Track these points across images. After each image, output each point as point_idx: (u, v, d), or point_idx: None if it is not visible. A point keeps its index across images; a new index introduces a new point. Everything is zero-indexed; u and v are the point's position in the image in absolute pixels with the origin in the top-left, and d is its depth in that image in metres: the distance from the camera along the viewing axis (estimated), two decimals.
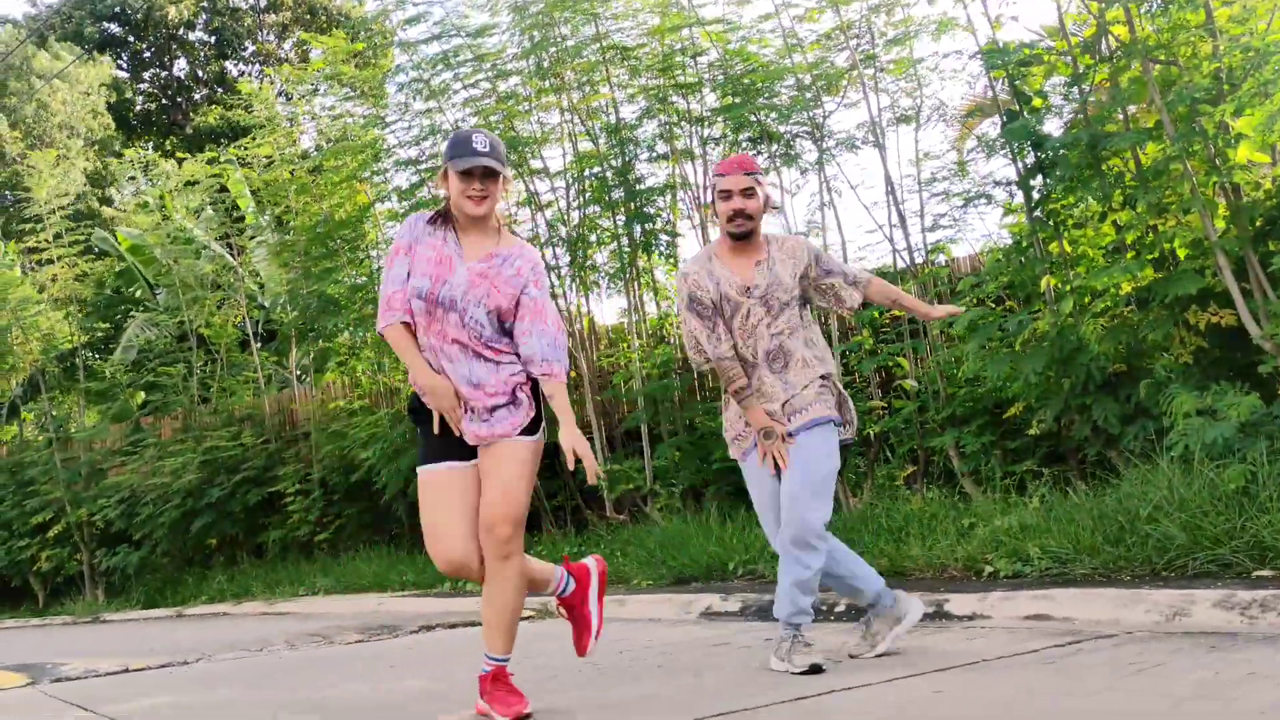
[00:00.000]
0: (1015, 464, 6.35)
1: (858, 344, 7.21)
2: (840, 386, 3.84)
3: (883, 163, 7.06)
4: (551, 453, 9.04)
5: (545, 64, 9.24)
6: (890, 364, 7.24)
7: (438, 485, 3.24)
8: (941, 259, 7.77)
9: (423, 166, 9.80)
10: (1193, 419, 5.01)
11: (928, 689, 2.85)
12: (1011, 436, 6.46)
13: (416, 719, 3.21)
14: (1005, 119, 5.75)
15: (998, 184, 6.37)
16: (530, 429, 3.25)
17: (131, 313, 14.34)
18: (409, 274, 3.26)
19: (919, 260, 7.18)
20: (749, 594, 5.46)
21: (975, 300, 6.72)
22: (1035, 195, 6.05)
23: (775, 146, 8.26)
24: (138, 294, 15.13)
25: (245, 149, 12.14)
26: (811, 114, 7.76)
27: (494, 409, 3.20)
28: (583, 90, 9.40)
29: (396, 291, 3.27)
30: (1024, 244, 6.25)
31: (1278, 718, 2.24)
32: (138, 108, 30.36)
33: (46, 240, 13.90)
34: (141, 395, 13.75)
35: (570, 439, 3.20)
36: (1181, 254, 5.65)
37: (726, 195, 3.65)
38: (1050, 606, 4.14)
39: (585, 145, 9.44)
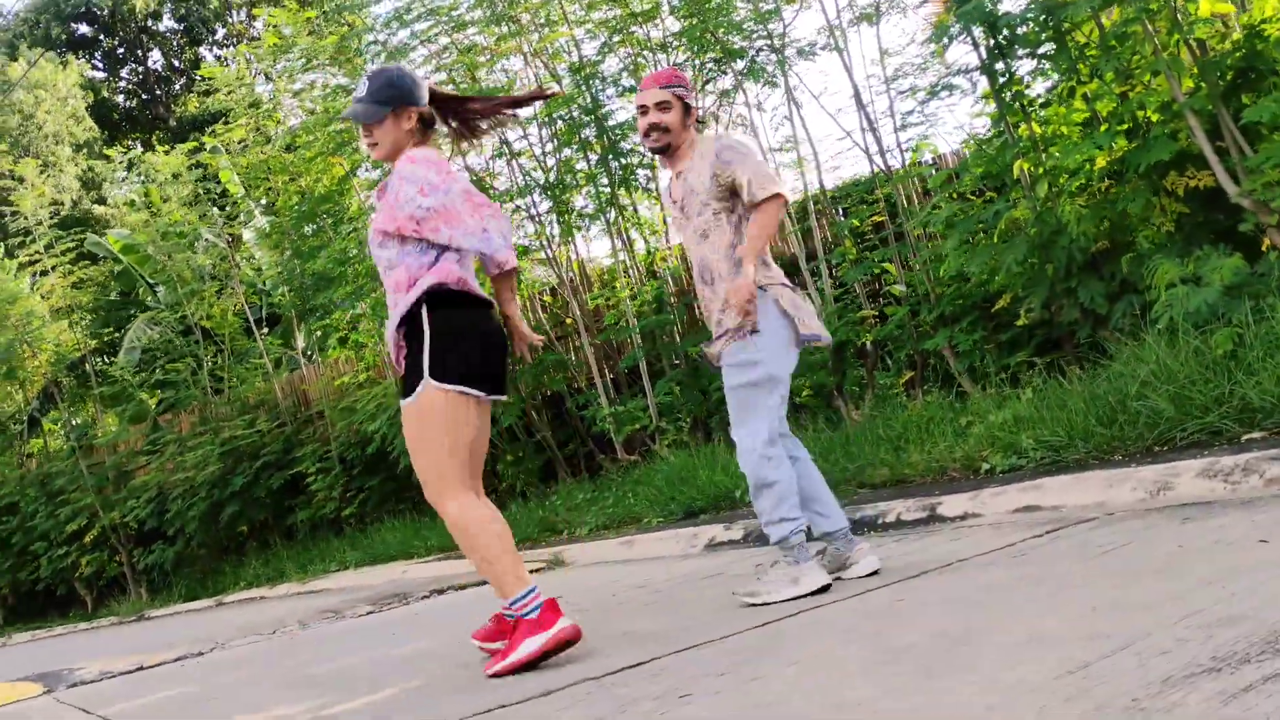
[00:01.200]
0: (1010, 357, 6.26)
1: (841, 254, 7.09)
2: (782, 291, 3.55)
3: (845, 67, 6.88)
4: (558, 402, 8.96)
5: (499, 7, 9.06)
6: (877, 271, 7.13)
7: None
8: (927, 156, 7.61)
9: None
10: (1176, 288, 4.90)
11: (889, 599, 2.81)
12: (1003, 330, 6.36)
13: (403, 677, 3.21)
14: (958, 2, 5.55)
15: (959, 72, 6.17)
16: (408, 389, 3.12)
17: (133, 314, 14.37)
18: None
19: (895, 164, 7.02)
20: (752, 520, 5.44)
21: (953, 195, 6.57)
22: (1000, 80, 5.87)
23: (740, 63, 8.09)
24: (141, 294, 15.18)
25: (216, 134, 12.06)
26: (770, 27, 7.56)
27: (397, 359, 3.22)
28: (540, 32, 9.22)
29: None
30: (994, 131, 6.08)
31: (1229, 583, 2.18)
32: (120, 106, 30.22)
33: (39, 252, 13.95)
34: (155, 394, 13.84)
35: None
36: (1154, 119, 5.48)
37: (643, 111, 3.58)
38: (1039, 496, 4.09)
39: (551, 89, 9.28)
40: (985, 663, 1.97)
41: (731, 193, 3.49)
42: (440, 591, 5.73)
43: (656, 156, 3.66)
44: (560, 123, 9.04)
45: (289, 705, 3.18)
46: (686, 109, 3.58)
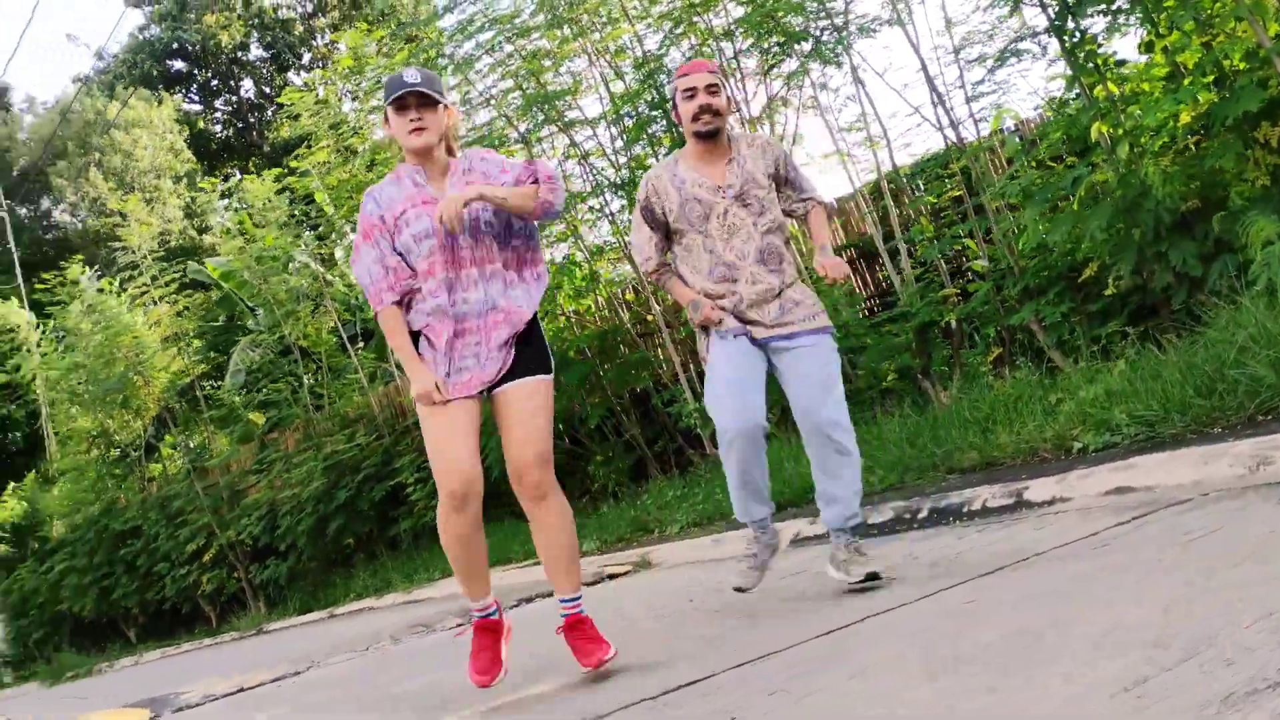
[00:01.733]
0: (1101, 327, 5.98)
1: (918, 233, 6.88)
2: None
3: (909, 40, 6.67)
4: (645, 399, 8.88)
5: (560, 10, 9.05)
6: (958, 247, 6.90)
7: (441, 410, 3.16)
8: (1009, 123, 7.34)
9: (460, 140, 9.76)
10: (1274, 245, 4.60)
11: (960, 600, 2.68)
12: (1092, 300, 6.08)
13: (469, 697, 3.20)
14: None
15: (1026, 36, 5.91)
16: (544, 365, 3.22)
17: (236, 338, 14.85)
18: (394, 239, 3.17)
19: (968, 136, 6.78)
20: None
21: (1032, 163, 6.32)
22: (1071, 40, 5.61)
23: (803, 45, 7.91)
24: (242, 318, 15.69)
25: (301, 158, 12.35)
26: (830, 5, 7.38)
27: (505, 343, 3.15)
28: (601, 31, 9.18)
29: (383, 271, 3.16)
30: (1067, 95, 5.82)
31: None
32: (216, 136, 31.27)
33: (146, 284, 14.52)
34: (261, 414, 14.28)
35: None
36: (1240, 68, 5.16)
37: (691, 93, 3.46)
38: (1132, 476, 3.87)
39: (617, 87, 9.25)
40: (1036, 679, 1.85)
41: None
42: (528, 600, 5.75)
43: (702, 140, 3.50)
44: (628, 120, 8.99)
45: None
46: (728, 98, 3.55)
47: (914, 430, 6.31)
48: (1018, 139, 7.00)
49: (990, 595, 2.67)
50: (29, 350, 16.33)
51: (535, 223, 3.29)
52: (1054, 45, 5.76)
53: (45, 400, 17.17)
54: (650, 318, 9.34)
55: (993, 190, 6.28)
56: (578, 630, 3.10)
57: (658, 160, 8.99)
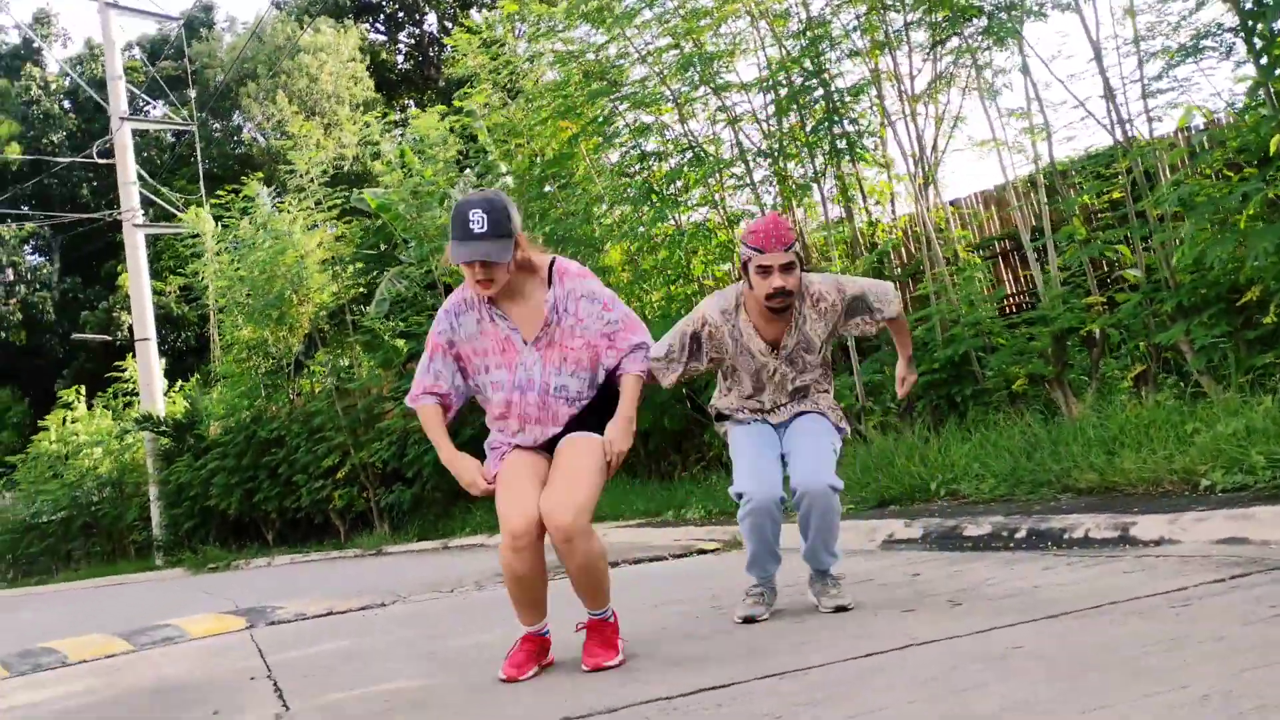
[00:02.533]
0: (1257, 357, 5.53)
1: (1068, 234, 6.48)
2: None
3: (1084, 25, 6.23)
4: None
5: None
6: (1108, 253, 6.47)
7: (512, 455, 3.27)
8: (1198, 121, 6.82)
9: (614, 97, 9.74)
10: None
11: (1006, 645, 2.51)
12: (1251, 325, 5.62)
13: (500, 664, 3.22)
14: None
15: (1208, 34, 5.43)
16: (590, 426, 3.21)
17: (381, 271, 15.34)
18: (457, 371, 3.24)
19: (1139, 134, 6.32)
20: (933, 519, 5.11)
21: (1204, 171, 5.85)
22: (1258, 43, 5.13)
23: (974, 23, 7.52)
24: (397, 250, 16.19)
25: (463, 98, 12.57)
26: None
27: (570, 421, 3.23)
28: None
29: (430, 383, 3.25)
30: (1249, 100, 5.34)
31: None
32: (396, 68, 32.19)
33: (310, 207, 15.14)
34: (405, 343, 14.74)
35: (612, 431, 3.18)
36: None
37: (765, 271, 3.42)
38: (1249, 528, 3.57)
39: (774, 52, 9.02)
40: None
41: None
42: (613, 565, 5.76)
43: (772, 314, 3.52)
44: (782, 89, 8.76)
45: (407, 679, 3.28)
46: (802, 264, 3.52)
47: (1034, 442, 6.00)
48: (1204, 140, 6.49)
49: (1036, 644, 2.49)
50: (208, 257, 17.27)
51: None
52: (1241, 47, 5.28)
53: (214, 306, 18.21)
54: None
55: (1153, 197, 5.85)
56: (595, 633, 3.15)
57: (805, 131, 8.74)
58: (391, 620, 4.85)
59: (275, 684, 3.47)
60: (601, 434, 3.17)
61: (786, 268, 3.40)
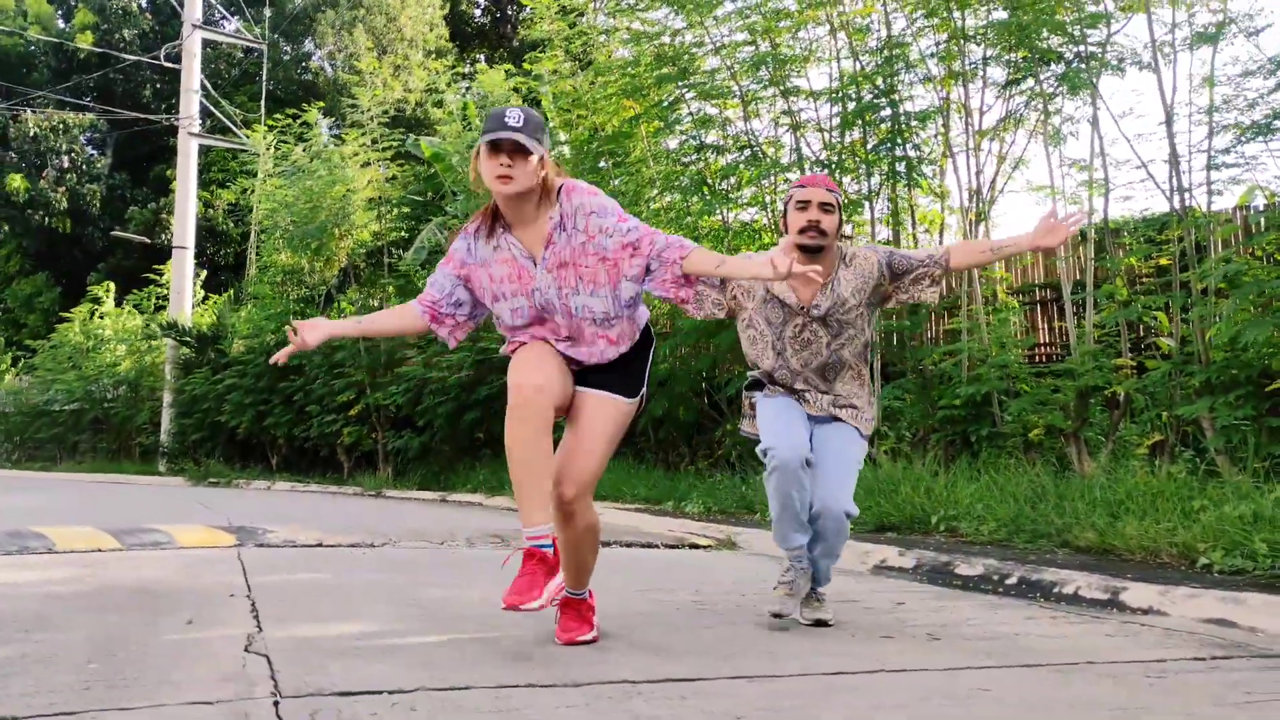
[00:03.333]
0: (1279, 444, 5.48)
1: (1109, 293, 6.43)
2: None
3: (1160, 89, 6.17)
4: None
5: None
6: (1145, 318, 6.42)
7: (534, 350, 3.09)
8: (1259, 201, 6.75)
9: (682, 84, 9.73)
10: None
11: (974, 684, 2.52)
12: (1278, 413, 5.56)
13: (476, 626, 3.25)
14: None
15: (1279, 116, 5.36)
16: (631, 389, 3.12)
17: (425, 219, 15.40)
18: (460, 286, 3.11)
19: (1197, 205, 6.26)
20: (928, 551, 5.11)
21: (1254, 252, 5.79)
22: None
23: (1051, 67, 7.46)
24: (445, 201, 16.25)
25: (533, 61, 12.58)
26: (1090, 32, 6.89)
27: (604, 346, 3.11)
28: (850, 6, 8.89)
29: (437, 293, 3.12)
30: None
31: None
32: (473, 20, 32.20)
33: (365, 144, 15.21)
34: None
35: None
36: None
37: (804, 205, 3.45)
38: (1238, 612, 3.56)
39: (848, 65, 8.97)
40: None
41: (882, 296, 3.58)
42: (628, 545, 5.79)
43: (805, 254, 3.47)
44: (850, 103, 8.72)
45: (381, 622, 3.32)
46: (840, 218, 3.51)
47: (1040, 493, 5.98)
48: (1261, 221, 6.42)
49: (1004, 690, 2.49)
50: (260, 177, 17.39)
51: (638, 297, 3.14)
52: None
53: (256, 227, 18.36)
54: None
55: (1200, 270, 5.79)
56: (570, 607, 3.12)
57: (868, 144, 8.69)
58: (379, 561, 4.91)
59: (253, 604, 3.52)
60: (630, 396, 3.10)
61: (825, 207, 3.43)
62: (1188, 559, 4.63)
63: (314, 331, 3.02)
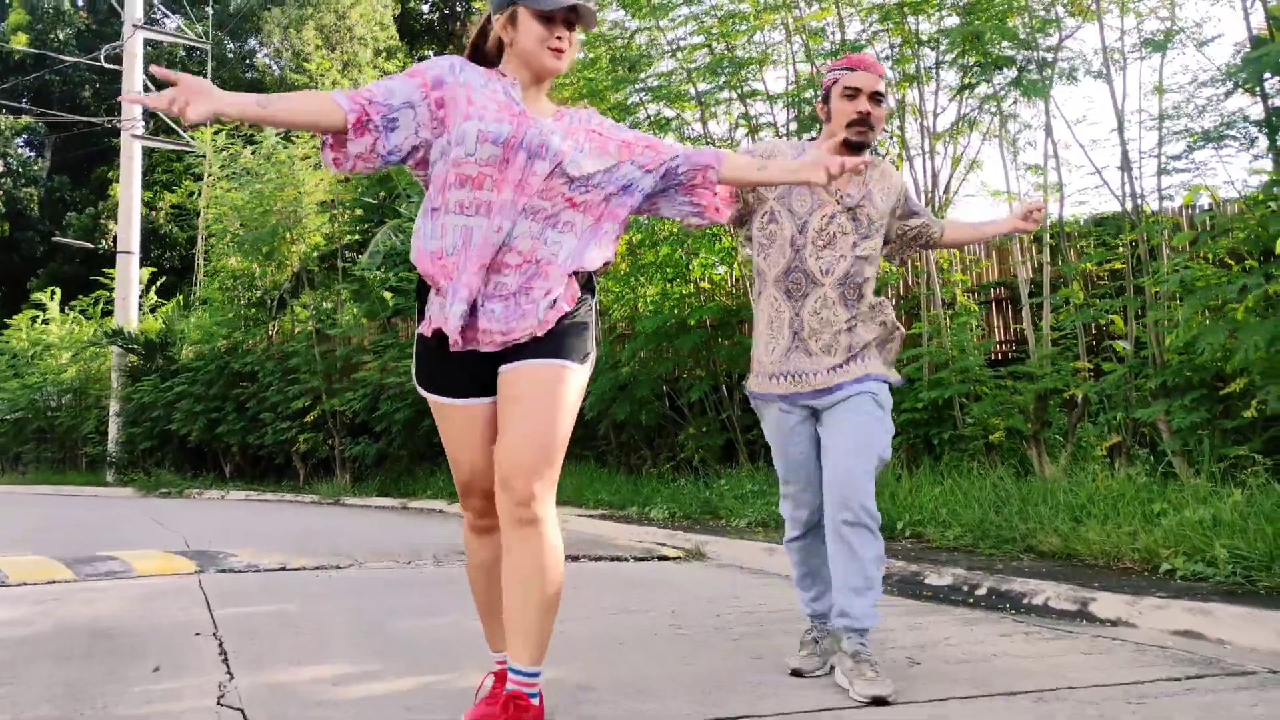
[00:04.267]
0: (1232, 447, 5.58)
1: (1065, 297, 6.51)
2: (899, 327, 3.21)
3: (1113, 96, 6.25)
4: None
5: None
6: (1102, 320, 6.51)
7: (454, 419, 2.52)
8: (1204, 201, 6.86)
9: (638, 87, 9.69)
10: None
11: None
12: (1231, 414, 5.67)
13: (440, 657, 3.21)
14: (1252, 46, 4.89)
15: (1230, 124, 5.45)
16: (575, 351, 2.48)
17: (379, 222, 15.22)
18: (415, 137, 2.43)
19: (1149, 208, 6.35)
20: (896, 561, 5.14)
21: (1204, 256, 5.89)
22: None
23: (1003, 73, 7.53)
24: (398, 203, 16.05)
25: None
26: (1042, 39, 6.96)
27: (548, 297, 2.46)
28: (806, 9, 8.91)
29: (372, 92, 2.41)
30: (1263, 195, 5.37)
31: None
32: (422, 16, 31.86)
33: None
34: (393, 297, 14.63)
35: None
36: None
37: (852, 94, 3.01)
38: (1206, 624, 3.61)
39: (804, 67, 8.99)
40: None
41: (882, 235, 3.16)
42: (574, 559, 5.76)
43: (849, 150, 3.05)
44: (807, 107, 8.74)
45: (355, 661, 3.27)
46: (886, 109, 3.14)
47: (1004, 497, 6.05)
48: (1208, 221, 6.53)
49: None
50: (207, 180, 17.07)
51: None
52: (1263, 141, 5.31)
53: (204, 232, 18.04)
54: None
55: (1154, 276, 5.88)
56: (512, 710, 2.29)
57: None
58: (346, 586, 4.83)
59: (220, 645, 3.44)
60: (580, 360, 2.47)
61: (876, 97, 3.02)
62: (1150, 564, 4.70)
63: (200, 100, 2.19)
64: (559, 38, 2.47)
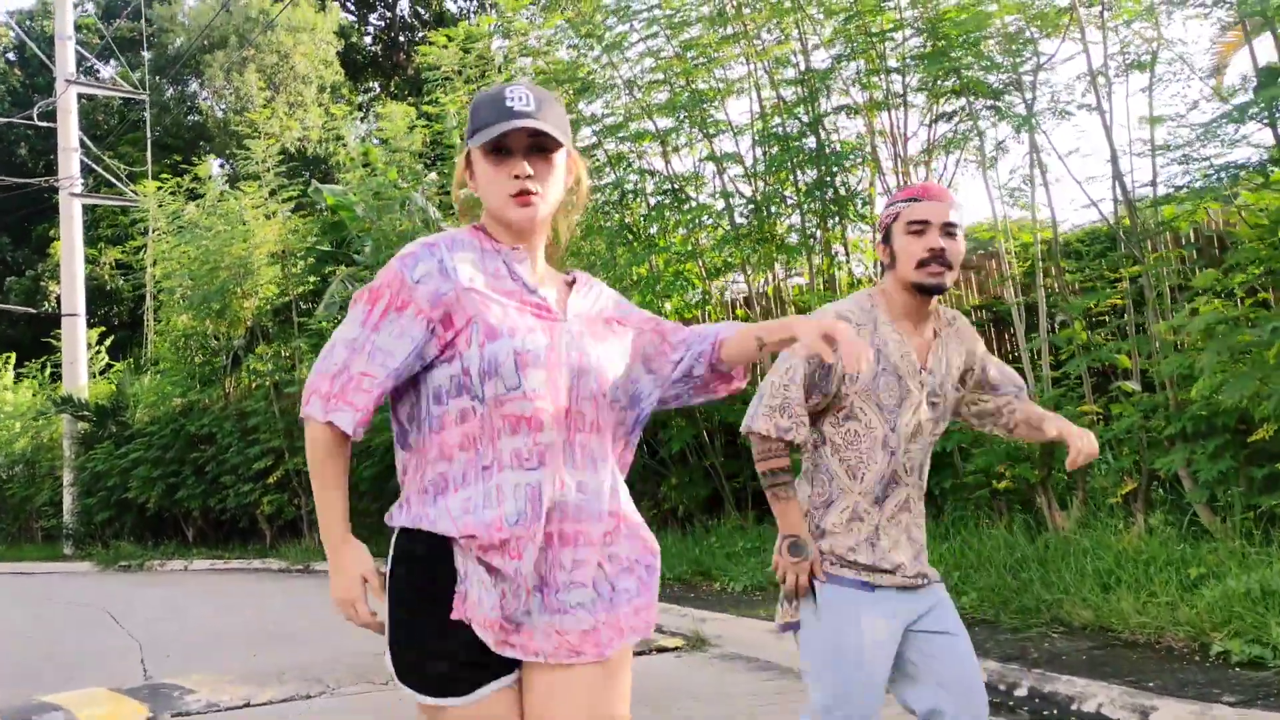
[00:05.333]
0: (1265, 497, 5.23)
1: (1067, 337, 6.16)
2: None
3: (1104, 125, 5.92)
4: (734, 431, 7.88)
5: (728, 10, 8.46)
6: (1107, 361, 6.16)
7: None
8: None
9: (595, 129, 9.29)
10: None
11: None
12: (1260, 462, 5.32)
13: None
14: (1261, 79, 4.56)
15: (1238, 165, 5.12)
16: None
17: (333, 270, 14.69)
18: (433, 337, 1.81)
19: (1149, 243, 6.03)
20: None
21: (1218, 293, 5.56)
22: None
23: (977, 102, 7.20)
24: (353, 249, 15.50)
25: (434, 103, 12.03)
26: (1018, 61, 6.63)
27: (638, 566, 1.92)
28: (768, 38, 8.55)
29: (357, 373, 1.79)
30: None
31: None
32: (365, 50, 31.36)
33: (264, 197, 14.42)
34: None
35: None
36: None
37: (920, 229, 2.43)
38: None
39: (769, 94, 8.62)
40: None
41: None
42: None
43: (922, 295, 2.47)
44: (774, 146, 8.34)
45: None
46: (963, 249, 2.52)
47: (1020, 559, 5.67)
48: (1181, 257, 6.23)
49: None
50: (152, 236, 16.40)
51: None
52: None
53: (151, 290, 17.37)
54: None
55: (1168, 324, 5.54)
56: None
57: (795, 187, 8.34)
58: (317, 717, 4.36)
59: None
60: (647, 622, 1.91)
61: (949, 230, 2.43)
62: (1199, 643, 4.33)
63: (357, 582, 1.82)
64: (517, 175, 1.82)
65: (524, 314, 1.84)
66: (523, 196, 1.82)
